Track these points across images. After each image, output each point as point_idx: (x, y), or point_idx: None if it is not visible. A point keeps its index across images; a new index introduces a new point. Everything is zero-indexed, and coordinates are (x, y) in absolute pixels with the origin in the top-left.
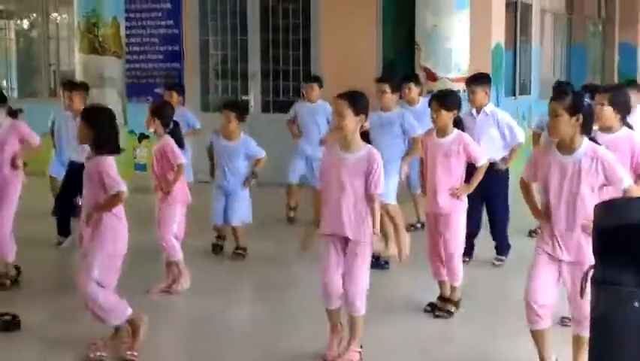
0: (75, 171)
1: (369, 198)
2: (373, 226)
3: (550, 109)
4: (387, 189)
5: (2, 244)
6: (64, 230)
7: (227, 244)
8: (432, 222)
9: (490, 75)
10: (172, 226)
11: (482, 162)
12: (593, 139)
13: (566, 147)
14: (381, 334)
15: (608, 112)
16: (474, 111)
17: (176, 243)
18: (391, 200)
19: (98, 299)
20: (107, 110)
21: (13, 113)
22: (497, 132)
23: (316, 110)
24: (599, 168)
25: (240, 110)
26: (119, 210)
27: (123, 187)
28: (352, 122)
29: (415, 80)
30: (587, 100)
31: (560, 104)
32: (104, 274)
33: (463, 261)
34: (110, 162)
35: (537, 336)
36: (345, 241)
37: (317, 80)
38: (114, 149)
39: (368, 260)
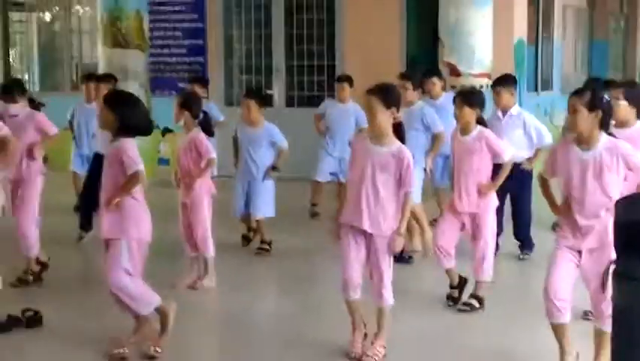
0: (100, 163)
1: (401, 197)
2: (400, 225)
3: (569, 104)
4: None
5: (26, 240)
6: (86, 224)
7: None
8: (454, 216)
9: (513, 71)
10: (205, 222)
11: (506, 157)
12: (611, 134)
13: (585, 142)
14: (404, 328)
15: (623, 107)
16: (499, 113)
17: (210, 239)
18: (415, 199)
19: (128, 288)
20: (128, 94)
21: (34, 105)
22: (523, 134)
23: (347, 111)
24: (620, 161)
25: (259, 96)
26: (140, 195)
27: (141, 166)
28: (384, 117)
29: (438, 74)
30: (605, 96)
31: (579, 100)
32: (132, 260)
33: (526, 254)
34: (131, 143)
35: (558, 330)
36: (365, 233)
37: (348, 80)
38: (139, 131)
39: (390, 254)
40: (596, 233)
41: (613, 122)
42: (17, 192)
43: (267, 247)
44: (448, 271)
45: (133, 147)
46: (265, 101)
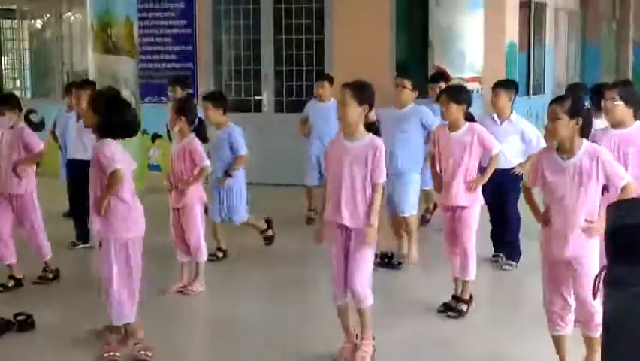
0: (77, 170)
1: (372, 188)
2: (370, 213)
3: (549, 112)
4: (408, 198)
5: (39, 249)
6: (81, 235)
7: (253, 241)
8: (448, 217)
9: (504, 75)
10: (198, 228)
11: (495, 150)
12: (594, 141)
13: (566, 150)
14: (395, 333)
15: (620, 107)
16: (495, 117)
17: (204, 245)
18: (413, 210)
19: (112, 286)
20: (112, 97)
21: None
22: (519, 140)
23: (328, 109)
24: (599, 168)
25: (215, 98)
26: (126, 194)
27: (117, 165)
28: (355, 111)
29: (446, 79)
30: (586, 104)
31: (560, 107)
32: (121, 258)
33: (509, 265)
34: (108, 144)
35: (556, 342)
36: (346, 229)
37: (328, 78)
38: (120, 133)
39: (371, 251)
40: (573, 243)
41: (609, 123)
42: (9, 206)
43: (270, 233)
44: (456, 280)
45: (110, 147)
46: (220, 102)
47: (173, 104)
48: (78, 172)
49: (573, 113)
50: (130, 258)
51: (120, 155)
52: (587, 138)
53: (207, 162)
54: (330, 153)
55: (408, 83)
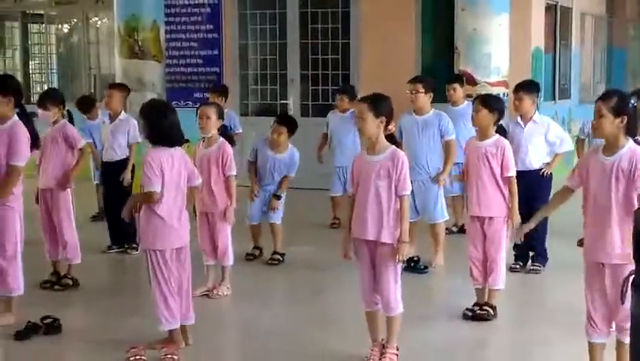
0: (113, 172)
1: (400, 200)
2: (401, 228)
3: (595, 109)
4: (437, 206)
5: (69, 246)
6: (114, 238)
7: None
8: (474, 227)
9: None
10: (227, 231)
11: (511, 173)
12: (637, 142)
13: (609, 149)
14: (419, 339)
15: None
16: (520, 120)
17: (231, 249)
18: (442, 217)
19: (153, 290)
20: (153, 105)
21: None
22: (544, 140)
23: (347, 118)
24: (636, 168)
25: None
26: (159, 205)
27: (151, 188)
28: (372, 124)
29: (460, 80)
30: (632, 102)
31: (605, 104)
32: (155, 270)
33: (537, 268)
34: (149, 158)
35: (591, 349)
36: (375, 243)
37: (346, 91)
38: (163, 141)
39: (397, 261)
40: (608, 246)
41: None
42: (46, 201)
43: (279, 259)
44: (477, 289)
45: (149, 164)
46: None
47: (211, 109)
48: (114, 174)
49: (618, 112)
50: (157, 269)
51: (157, 171)
52: (633, 136)
53: (234, 171)
54: (355, 170)
55: (420, 87)
